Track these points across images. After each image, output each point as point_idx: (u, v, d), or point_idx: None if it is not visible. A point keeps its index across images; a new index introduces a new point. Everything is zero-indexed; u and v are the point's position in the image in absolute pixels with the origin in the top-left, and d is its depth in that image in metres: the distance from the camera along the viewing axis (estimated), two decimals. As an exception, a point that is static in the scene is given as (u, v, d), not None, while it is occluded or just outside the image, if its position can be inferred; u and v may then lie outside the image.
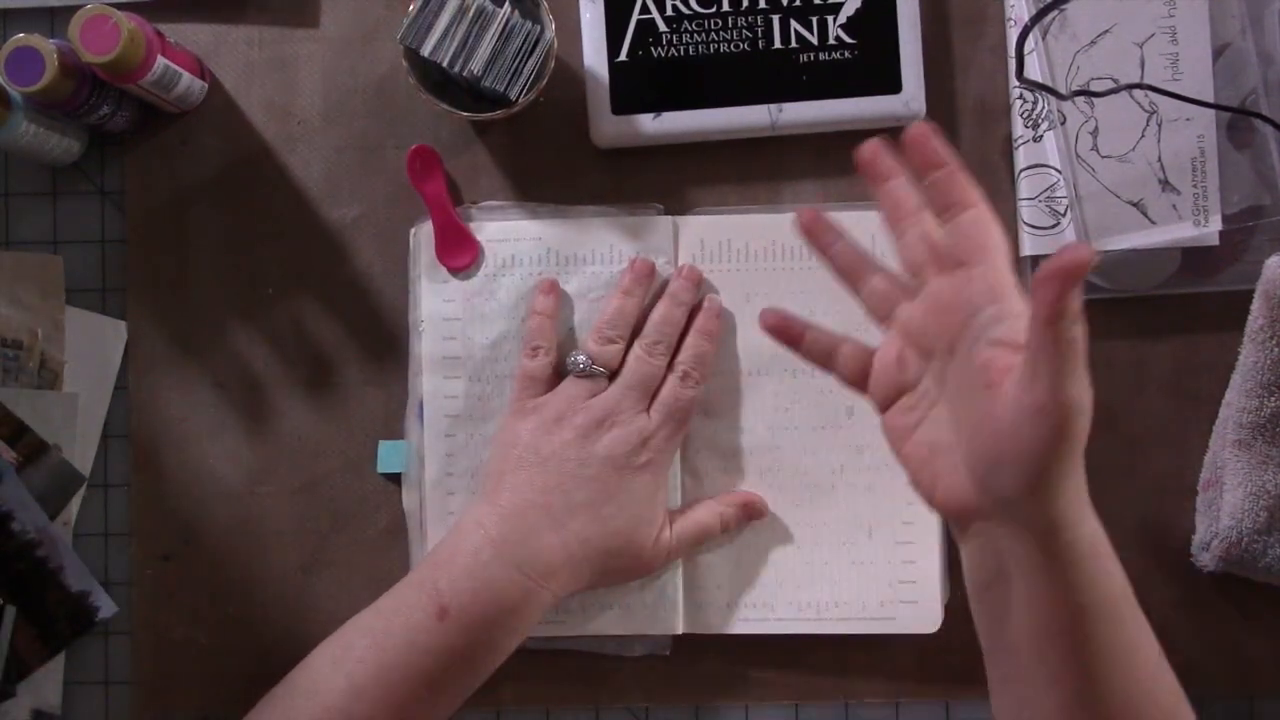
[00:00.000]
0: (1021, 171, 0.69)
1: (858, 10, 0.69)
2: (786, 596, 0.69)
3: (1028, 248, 0.69)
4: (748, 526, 0.69)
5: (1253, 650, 0.69)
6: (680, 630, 0.69)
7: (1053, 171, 0.69)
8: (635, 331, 0.68)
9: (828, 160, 0.71)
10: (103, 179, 0.73)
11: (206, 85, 0.72)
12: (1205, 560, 0.68)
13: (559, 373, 0.68)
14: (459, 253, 0.70)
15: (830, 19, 0.70)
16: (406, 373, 0.72)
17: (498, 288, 0.70)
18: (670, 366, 0.67)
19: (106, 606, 0.72)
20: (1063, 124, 0.67)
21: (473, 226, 0.71)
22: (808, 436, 0.70)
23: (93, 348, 0.72)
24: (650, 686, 0.71)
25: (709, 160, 0.71)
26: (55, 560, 0.71)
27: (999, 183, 0.70)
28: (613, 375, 0.67)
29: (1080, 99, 0.67)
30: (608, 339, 0.67)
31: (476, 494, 0.68)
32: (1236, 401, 0.67)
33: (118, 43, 0.63)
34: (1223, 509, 0.67)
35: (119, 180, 0.73)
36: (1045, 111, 0.69)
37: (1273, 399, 0.66)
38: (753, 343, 0.70)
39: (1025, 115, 0.69)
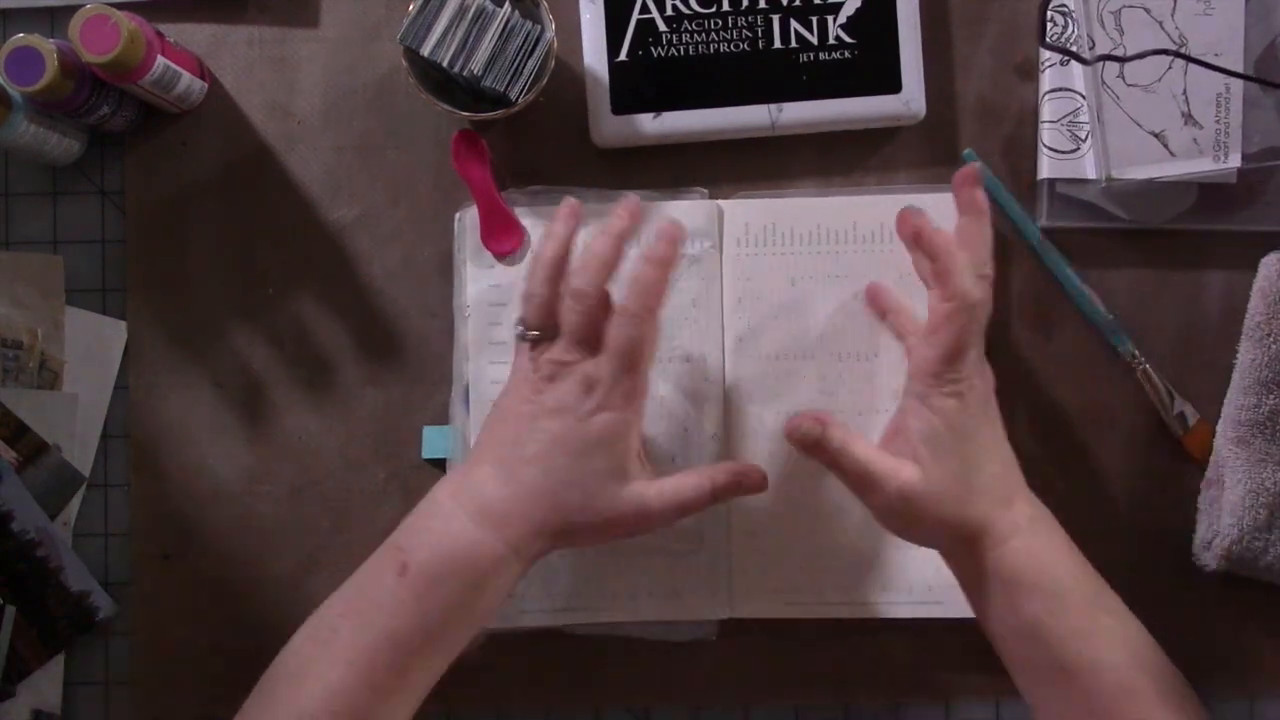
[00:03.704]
0: (1046, 94, 0.69)
1: (858, 10, 0.69)
2: (834, 581, 0.69)
3: (1045, 170, 0.69)
4: (752, 497, 0.65)
5: (1253, 650, 0.69)
6: (728, 615, 0.69)
7: (1077, 96, 0.69)
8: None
9: (828, 160, 0.71)
10: (103, 179, 0.73)
11: (206, 85, 0.72)
12: (1206, 559, 0.68)
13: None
14: (504, 238, 0.70)
15: (830, 19, 0.70)
16: (407, 372, 0.72)
17: None
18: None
19: (106, 606, 0.72)
20: (1091, 49, 0.67)
21: (517, 211, 0.71)
22: (853, 420, 0.69)
23: (93, 348, 0.72)
24: (650, 686, 0.71)
25: (709, 160, 0.71)
26: (55, 560, 0.71)
27: (1000, 180, 0.70)
28: (555, 329, 0.62)
29: (1110, 23, 0.66)
30: (532, 295, 0.62)
31: None
32: (1235, 399, 0.67)
33: (118, 43, 0.63)
34: (1223, 507, 0.67)
35: (119, 180, 0.73)
36: (1075, 35, 0.68)
37: (1271, 396, 0.66)
38: (797, 326, 0.70)
39: (1055, 38, 0.69)
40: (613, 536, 0.64)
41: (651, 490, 0.62)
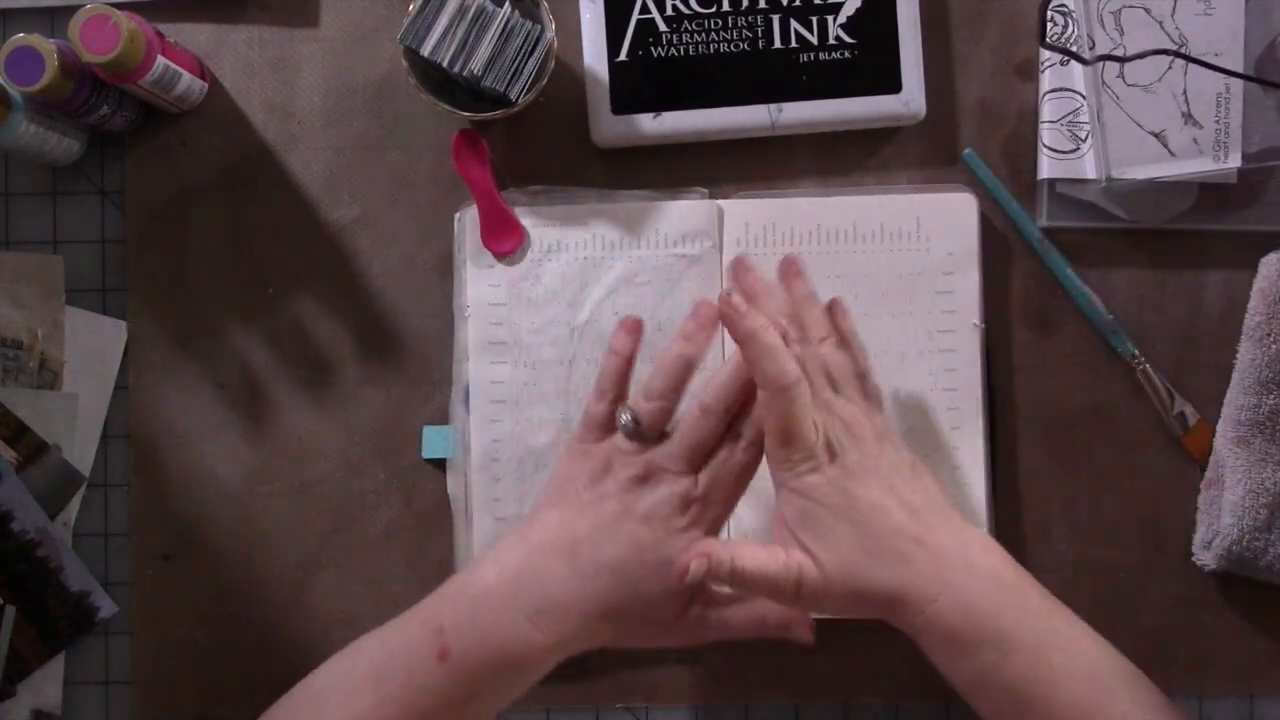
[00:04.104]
0: (1046, 94, 0.70)
1: (858, 10, 0.69)
2: None
3: (1045, 170, 0.70)
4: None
5: (1253, 650, 0.69)
6: None
7: (1077, 96, 0.69)
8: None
9: (828, 160, 0.71)
10: (103, 179, 0.73)
11: (206, 85, 0.72)
12: (1206, 559, 0.68)
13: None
14: (504, 238, 0.70)
15: (830, 19, 0.70)
16: (407, 372, 0.72)
17: (543, 272, 0.70)
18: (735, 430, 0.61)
19: (106, 606, 0.72)
20: (1091, 49, 0.67)
21: (517, 211, 0.71)
22: None
23: (93, 348, 0.72)
24: (650, 686, 0.71)
25: (709, 160, 0.71)
26: (55, 560, 0.71)
27: (1000, 180, 0.70)
28: (663, 433, 0.61)
29: (1110, 23, 0.67)
30: (657, 394, 0.61)
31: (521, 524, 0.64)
32: (1235, 399, 0.67)
33: (118, 43, 0.63)
34: (1223, 507, 0.67)
35: (119, 180, 0.73)
36: (1075, 35, 0.68)
37: (1271, 396, 0.66)
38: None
39: (1055, 38, 0.68)
40: (660, 644, 0.65)
41: (708, 612, 0.61)
